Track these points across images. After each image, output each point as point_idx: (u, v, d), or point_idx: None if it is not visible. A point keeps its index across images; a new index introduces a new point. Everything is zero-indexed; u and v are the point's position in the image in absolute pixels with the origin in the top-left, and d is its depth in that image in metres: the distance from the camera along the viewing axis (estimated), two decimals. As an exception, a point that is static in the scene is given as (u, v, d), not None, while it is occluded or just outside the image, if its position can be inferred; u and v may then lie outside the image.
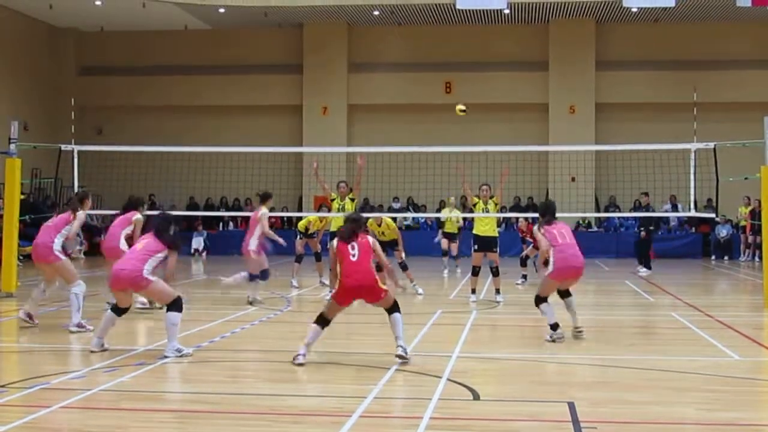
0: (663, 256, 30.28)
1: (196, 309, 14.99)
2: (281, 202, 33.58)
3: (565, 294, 12.90)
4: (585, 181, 31.23)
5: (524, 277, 21.09)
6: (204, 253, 33.18)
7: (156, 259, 11.12)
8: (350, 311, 16.44)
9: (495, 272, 17.35)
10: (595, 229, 34.19)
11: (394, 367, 10.19)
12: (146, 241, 11.33)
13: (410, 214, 33.36)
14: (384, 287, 10.71)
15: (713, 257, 32.07)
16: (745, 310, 17.56)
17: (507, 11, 32.27)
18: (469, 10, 31.73)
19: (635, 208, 29.90)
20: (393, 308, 10.73)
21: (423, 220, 34.04)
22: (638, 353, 11.79)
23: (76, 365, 10.15)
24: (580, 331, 12.72)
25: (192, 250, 33.39)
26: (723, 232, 32.13)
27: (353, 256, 10.57)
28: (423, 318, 14.44)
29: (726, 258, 31.68)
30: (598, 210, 33.04)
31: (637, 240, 26.13)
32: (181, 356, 10.71)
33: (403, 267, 18.86)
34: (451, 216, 24.73)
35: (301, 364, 10.39)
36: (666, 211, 32.41)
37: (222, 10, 32.96)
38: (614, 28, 35.12)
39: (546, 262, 12.89)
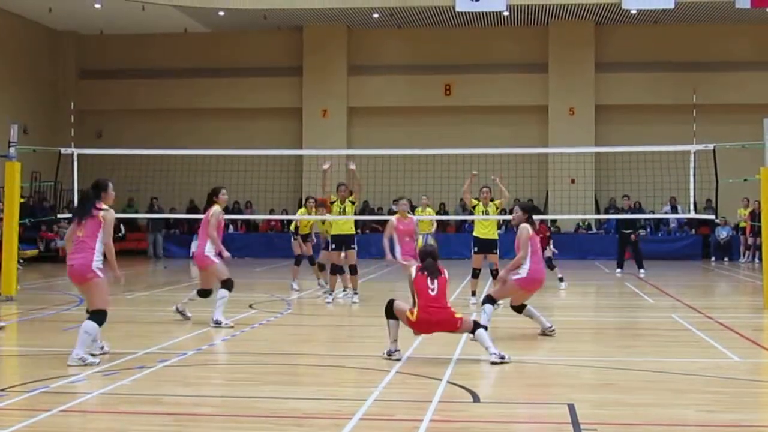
0: (663, 258, 30.30)
1: (195, 312, 14.97)
2: (281, 204, 33.67)
3: (520, 309, 13.00)
4: (585, 183, 31.25)
5: None
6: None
7: (100, 239, 10.61)
8: (352, 314, 16.49)
9: (495, 274, 17.34)
10: (594, 230, 34.19)
11: (395, 370, 10.20)
12: (84, 225, 10.71)
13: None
14: (459, 315, 10.82)
15: (713, 259, 32.09)
16: (745, 312, 17.56)
17: (506, 13, 32.29)
18: (469, 13, 31.73)
19: (618, 211, 29.84)
20: (475, 328, 10.79)
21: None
22: (638, 355, 11.79)
23: (76, 369, 10.14)
24: (552, 330, 12.88)
25: (191, 253, 33.34)
26: (723, 233, 32.15)
27: (432, 290, 10.76)
28: (423, 320, 14.43)
29: (726, 259, 31.71)
30: (598, 212, 33.05)
31: (626, 242, 25.69)
32: (85, 365, 10.30)
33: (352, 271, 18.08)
34: (423, 218, 24.08)
35: (398, 359, 10.76)
36: (666, 213, 32.42)
37: (221, 13, 32.98)
38: (614, 29, 35.13)
39: (514, 268, 12.67)
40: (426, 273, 10.86)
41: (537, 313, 13.07)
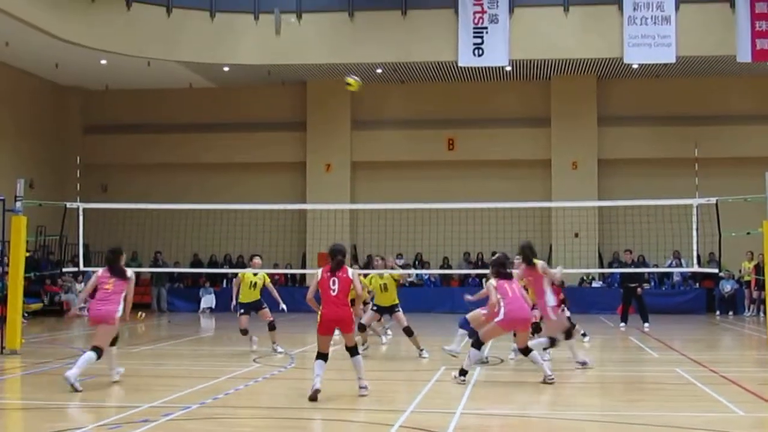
0: (667, 312, 30.24)
1: (202, 366, 14.99)
2: (285, 259, 33.72)
3: (525, 352, 13.74)
4: (588, 237, 31.28)
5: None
6: (208, 310, 33.14)
7: (122, 296, 13.19)
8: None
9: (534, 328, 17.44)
10: (598, 284, 34.12)
11: (398, 424, 10.19)
12: (113, 281, 13.29)
13: (413, 271, 33.29)
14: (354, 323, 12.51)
15: (718, 312, 31.95)
16: (749, 366, 17.52)
17: (509, 68, 32.55)
18: (471, 68, 32.00)
19: (621, 265, 29.66)
20: (355, 350, 12.32)
21: (427, 277, 34.05)
22: (643, 409, 11.77)
23: (81, 422, 10.15)
24: (552, 379, 13.43)
25: (201, 309, 33.26)
26: (727, 287, 32.08)
27: (333, 291, 12.09)
28: (426, 375, 14.43)
29: (731, 313, 31.59)
30: (601, 265, 33.04)
31: (630, 296, 25.59)
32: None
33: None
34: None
35: (319, 390, 11.81)
36: (669, 267, 32.38)
37: (226, 69, 33.24)
38: (616, 84, 35.32)
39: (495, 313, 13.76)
40: (330, 274, 12.19)
41: (539, 360, 13.70)
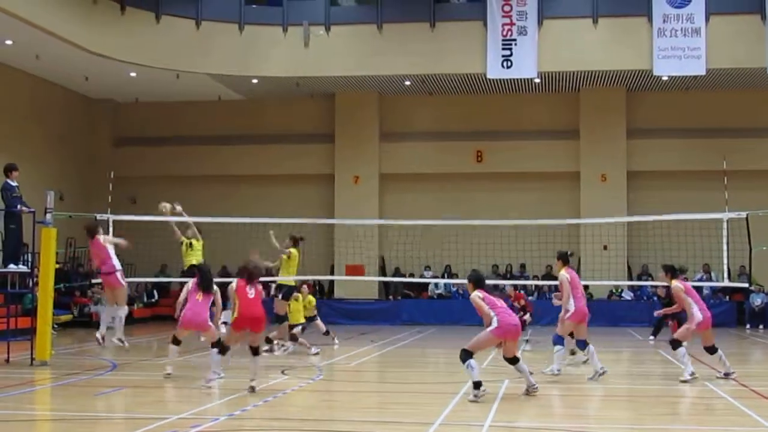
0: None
1: (229, 377, 15.01)
2: (312, 271, 33.70)
3: (513, 361, 13.62)
4: (617, 250, 31.13)
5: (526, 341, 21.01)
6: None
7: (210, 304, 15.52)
8: (384, 380, 16.45)
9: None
10: (627, 298, 33.87)
11: (426, 437, 10.18)
12: (201, 292, 15.32)
13: (441, 281, 33.24)
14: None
15: (748, 326, 31.70)
16: (780, 380, 17.36)
17: (537, 80, 32.48)
18: (500, 80, 31.98)
19: (652, 278, 29.36)
20: (258, 350, 14.19)
21: (455, 289, 33.96)
22: (672, 423, 11.69)
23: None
24: (535, 389, 13.47)
25: (223, 321, 33.24)
26: (758, 300, 31.83)
27: (250, 294, 14.01)
28: (454, 387, 14.39)
29: (761, 327, 31.32)
30: (630, 278, 32.83)
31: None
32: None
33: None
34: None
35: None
36: (699, 281, 32.13)
37: (255, 81, 33.37)
38: (645, 96, 35.13)
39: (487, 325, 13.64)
40: (246, 282, 14.06)
41: (525, 369, 13.58)
